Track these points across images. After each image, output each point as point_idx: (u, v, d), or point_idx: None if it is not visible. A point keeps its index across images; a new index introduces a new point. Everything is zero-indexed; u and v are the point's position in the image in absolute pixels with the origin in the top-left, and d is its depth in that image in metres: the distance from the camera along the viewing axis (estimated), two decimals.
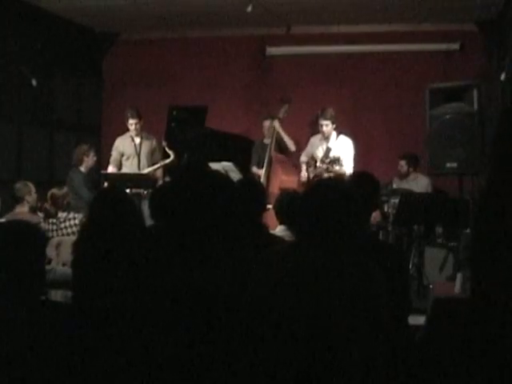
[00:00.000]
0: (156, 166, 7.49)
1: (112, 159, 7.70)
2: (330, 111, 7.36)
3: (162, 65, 9.41)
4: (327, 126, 7.33)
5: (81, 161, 7.53)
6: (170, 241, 2.35)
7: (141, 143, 7.64)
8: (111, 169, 7.65)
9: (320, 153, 7.44)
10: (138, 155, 7.60)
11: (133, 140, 7.63)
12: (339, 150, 7.26)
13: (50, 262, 5.00)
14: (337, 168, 7.04)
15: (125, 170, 7.63)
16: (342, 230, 2.33)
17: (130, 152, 7.63)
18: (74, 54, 8.88)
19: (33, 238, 2.47)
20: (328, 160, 7.09)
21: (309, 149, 7.67)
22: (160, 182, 7.48)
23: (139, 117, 7.54)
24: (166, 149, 7.42)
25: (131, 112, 7.52)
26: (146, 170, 7.46)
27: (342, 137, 7.43)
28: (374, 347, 2.27)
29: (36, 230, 2.59)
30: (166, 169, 7.62)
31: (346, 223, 2.33)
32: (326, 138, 7.40)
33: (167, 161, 7.42)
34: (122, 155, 7.67)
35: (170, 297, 2.20)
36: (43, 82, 8.09)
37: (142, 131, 7.67)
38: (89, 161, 7.56)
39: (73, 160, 7.59)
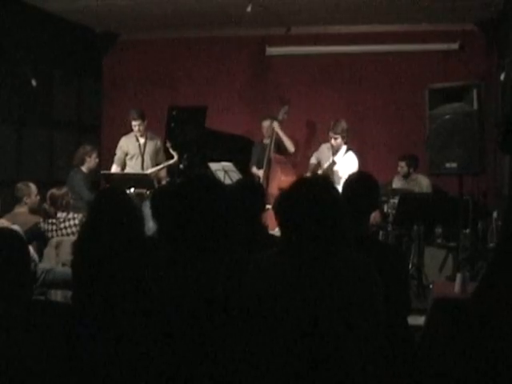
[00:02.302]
0: (159, 167, 7.52)
1: (116, 158, 7.73)
2: (342, 125, 7.30)
3: (162, 65, 9.41)
4: (336, 139, 7.29)
5: (82, 161, 7.55)
6: (169, 243, 2.35)
7: (145, 143, 7.66)
8: (115, 168, 7.67)
9: (326, 164, 7.45)
10: (142, 155, 7.62)
11: (137, 140, 7.66)
12: (344, 165, 7.24)
13: (35, 265, 4.99)
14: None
15: (128, 169, 7.65)
16: (330, 226, 2.30)
17: (134, 152, 7.65)
18: (74, 54, 8.87)
19: (12, 244, 2.49)
20: (330, 171, 7.12)
21: (319, 154, 7.69)
22: (164, 183, 7.51)
23: (142, 118, 7.56)
24: (170, 150, 7.45)
25: (134, 113, 7.55)
26: (149, 171, 7.48)
27: (350, 154, 7.35)
28: (372, 346, 2.26)
29: (16, 235, 2.60)
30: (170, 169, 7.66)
31: (332, 218, 2.31)
32: (335, 151, 7.37)
33: (171, 162, 7.45)
34: (126, 154, 7.69)
35: (169, 298, 2.20)
36: (43, 82, 8.09)
37: (147, 132, 7.69)
38: (91, 161, 7.58)
39: (74, 160, 7.61)
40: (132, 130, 7.65)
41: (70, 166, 7.72)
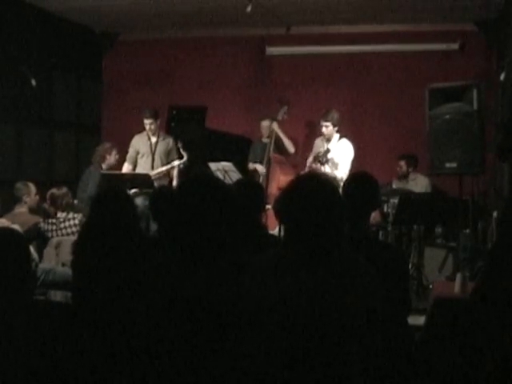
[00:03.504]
0: (166, 167, 7.50)
1: (128, 156, 7.75)
2: (332, 113, 7.32)
3: (162, 65, 9.41)
4: (327, 127, 7.31)
5: (103, 158, 7.58)
6: (169, 243, 2.35)
7: (157, 142, 7.65)
8: (126, 166, 7.70)
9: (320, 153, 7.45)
10: (153, 154, 7.62)
11: (149, 139, 7.66)
12: (338, 152, 7.25)
13: (36, 265, 4.98)
14: (329, 170, 7.05)
15: (139, 168, 7.66)
16: (329, 223, 2.29)
17: (145, 150, 7.66)
18: (74, 54, 8.87)
19: (13, 244, 2.49)
20: (324, 159, 7.09)
21: (314, 150, 7.68)
22: (174, 182, 7.51)
23: (154, 117, 7.57)
24: (181, 150, 7.45)
25: (146, 112, 7.57)
26: (156, 171, 7.47)
27: (344, 140, 7.39)
28: (371, 346, 2.26)
29: (16, 235, 2.60)
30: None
31: (331, 216, 2.30)
32: (328, 140, 7.39)
33: (178, 162, 7.45)
34: (138, 153, 7.70)
35: (169, 298, 2.20)
36: (43, 82, 8.09)
37: (160, 131, 7.70)
38: (111, 158, 7.62)
39: (94, 157, 7.64)
40: (144, 129, 7.66)
41: (69, 165, 7.73)
